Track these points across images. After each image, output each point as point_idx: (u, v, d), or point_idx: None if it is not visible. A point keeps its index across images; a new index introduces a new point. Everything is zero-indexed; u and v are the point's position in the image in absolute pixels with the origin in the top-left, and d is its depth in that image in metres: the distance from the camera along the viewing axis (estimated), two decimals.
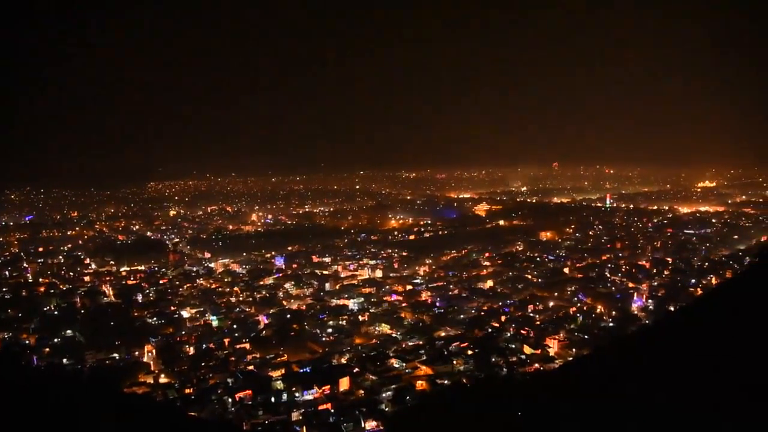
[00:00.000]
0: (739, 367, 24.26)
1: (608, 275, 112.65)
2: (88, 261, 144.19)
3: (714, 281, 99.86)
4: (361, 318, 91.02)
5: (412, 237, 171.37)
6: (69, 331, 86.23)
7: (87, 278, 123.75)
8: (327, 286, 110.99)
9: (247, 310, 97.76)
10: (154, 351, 76.49)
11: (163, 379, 69.32)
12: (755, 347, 24.89)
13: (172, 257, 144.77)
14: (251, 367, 71.04)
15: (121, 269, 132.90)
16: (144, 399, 58.86)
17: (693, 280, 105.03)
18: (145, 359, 75.74)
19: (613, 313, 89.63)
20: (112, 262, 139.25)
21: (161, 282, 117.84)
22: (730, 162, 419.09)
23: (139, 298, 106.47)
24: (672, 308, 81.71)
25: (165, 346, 79.34)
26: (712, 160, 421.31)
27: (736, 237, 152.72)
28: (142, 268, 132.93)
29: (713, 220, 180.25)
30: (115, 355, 76.38)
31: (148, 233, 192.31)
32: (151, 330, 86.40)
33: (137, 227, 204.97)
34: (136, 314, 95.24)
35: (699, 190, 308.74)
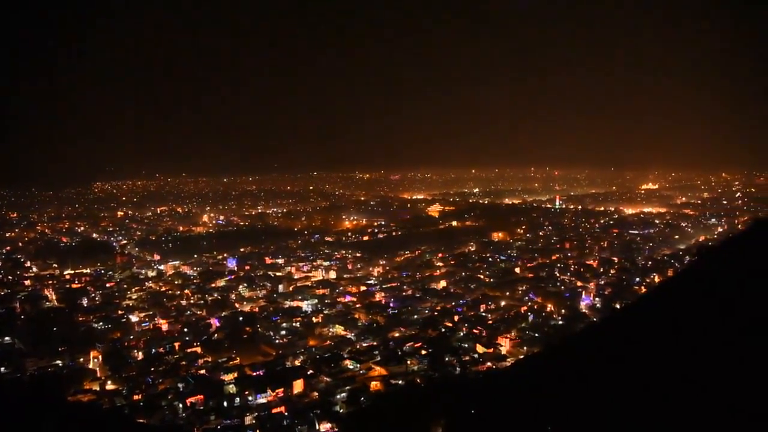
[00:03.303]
0: (680, 362, 25.27)
1: (558, 275, 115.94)
2: (28, 264, 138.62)
3: (657, 279, 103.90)
4: (314, 319, 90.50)
5: (365, 238, 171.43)
6: (7, 338, 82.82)
7: (27, 282, 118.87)
8: (280, 287, 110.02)
9: (199, 313, 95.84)
10: (100, 357, 74.27)
11: (110, 386, 67.33)
12: (696, 343, 25.98)
13: (119, 259, 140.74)
14: (203, 372, 69.82)
15: (65, 272, 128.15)
16: (90, 407, 57.14)
17: (637, 279, 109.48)
18: (90, 366, 73.41)
19: (563, 311, 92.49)
20: (55, 265, 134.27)
21: (108, 285, 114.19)
22: (671, 165, 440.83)
23: (85, 302, 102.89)
24: (618, 306, 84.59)
25: (112, 351, 77.08)
26: (656, 162, 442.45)
27: (677, 237, 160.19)
28: (88, 271, 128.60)
29: (656, 221, 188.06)
30: (59, 362, 73.57)
31: (94, 235, 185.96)
32: (97, 335, 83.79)
33: (82, 228, 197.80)
34: (80, 319, 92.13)
35: (643, 191, 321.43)
